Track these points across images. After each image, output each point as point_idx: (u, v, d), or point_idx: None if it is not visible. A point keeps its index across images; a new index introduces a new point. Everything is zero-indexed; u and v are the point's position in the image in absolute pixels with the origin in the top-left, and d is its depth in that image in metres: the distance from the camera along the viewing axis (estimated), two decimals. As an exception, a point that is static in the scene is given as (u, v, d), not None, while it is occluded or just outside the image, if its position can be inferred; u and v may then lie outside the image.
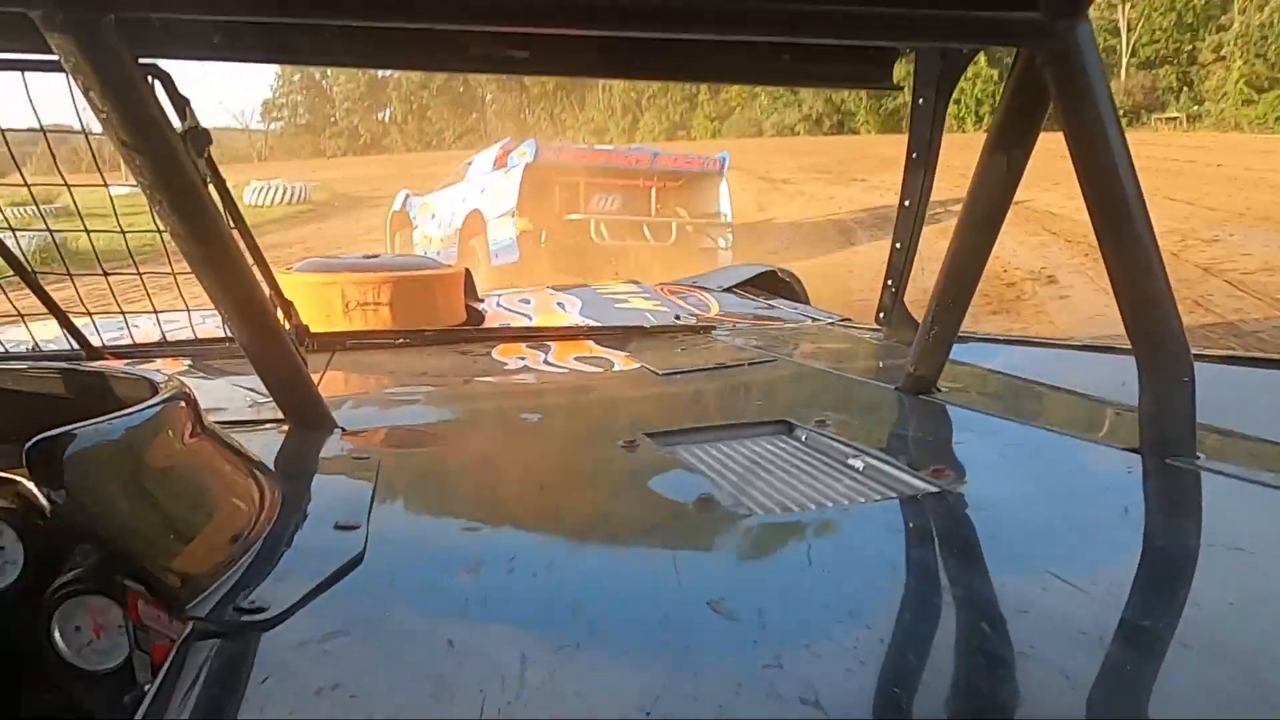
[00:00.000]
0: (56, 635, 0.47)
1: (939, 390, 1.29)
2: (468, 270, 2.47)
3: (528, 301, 2.61)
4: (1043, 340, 1.84)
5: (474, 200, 8.67)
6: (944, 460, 0.93)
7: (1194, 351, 0.94)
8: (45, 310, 1.78)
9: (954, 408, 1.23)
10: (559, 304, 2.53)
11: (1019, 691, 0.53)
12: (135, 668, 0.57)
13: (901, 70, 1.59)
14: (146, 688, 0.49)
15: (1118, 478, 0.93)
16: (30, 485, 0.53)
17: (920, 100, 1.70)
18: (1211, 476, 0.88)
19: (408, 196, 10.98)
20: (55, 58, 0.80)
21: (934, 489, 0.86)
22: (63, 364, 0.90)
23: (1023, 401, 1.31)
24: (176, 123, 1.47)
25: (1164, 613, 0.64)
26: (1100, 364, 1.52)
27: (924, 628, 0.61)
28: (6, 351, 1.78)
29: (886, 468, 0.93)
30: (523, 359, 1.84)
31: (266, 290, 1.24)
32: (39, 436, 0.55)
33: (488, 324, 2.30)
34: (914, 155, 1.77)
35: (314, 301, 2.05)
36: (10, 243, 1.54)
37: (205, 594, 0.60)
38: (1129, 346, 0.96)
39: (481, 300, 2.56)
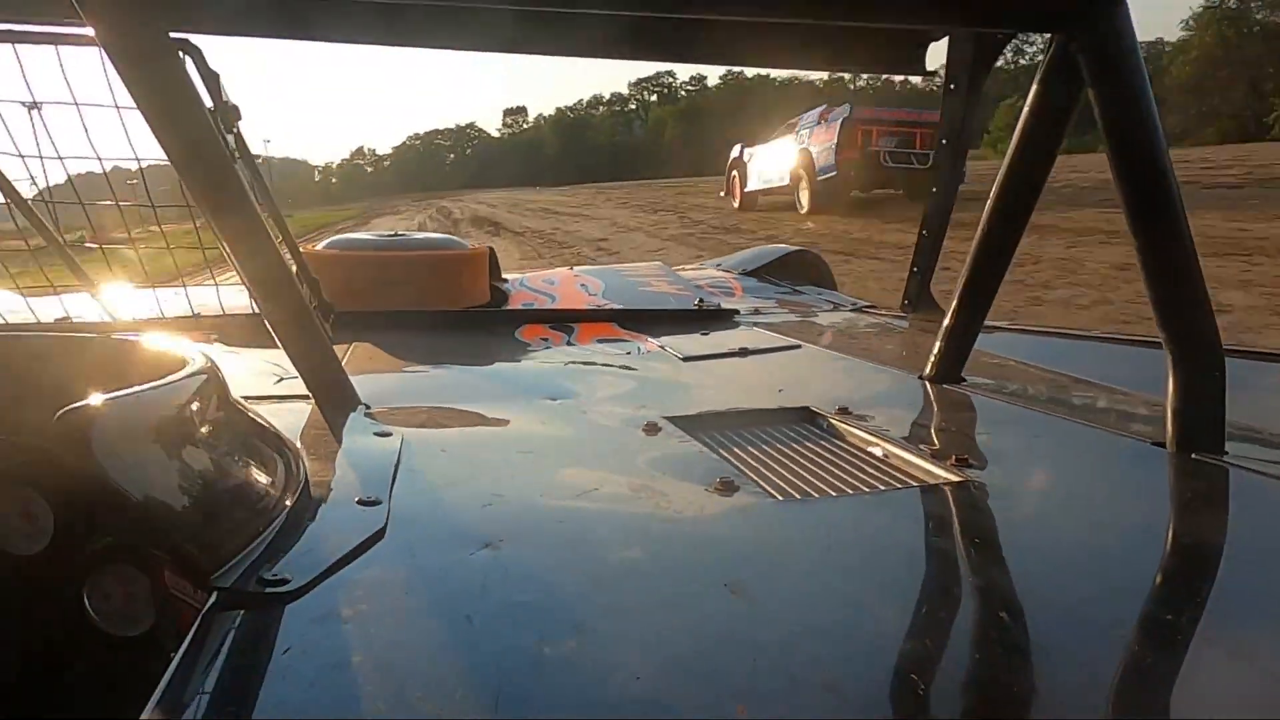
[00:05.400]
0: (87, 603, 0.48)
1: (963, 380, 1.28)
2: (492, 249, 2.48)
3: (552, 282, 2.62)
4: (1069, 331, 1.82)
5: (804, 143, 14.48)
6: (967, 450, 0.93)
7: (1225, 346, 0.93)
8: (77, 282, 1.81)
9: (979, 397, 1.22)
10: (582, 285, 2.53)
11: (1036, 685, 0.53)
12: (161, 635, 0.58)
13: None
14: (172, 655, 0.50)
15: (1143, 472, 0.92)
16: (60, 454, 0.54)
17: (953, 86, 1.68)
18: (1239, 472, 0.87)
19: (743, 147, 16.94)
20: (89, 31, 0.81)
21: (957, 479, 0.86)
22: (93, 334, 0.91)
23: (1048, 393, 1.30)
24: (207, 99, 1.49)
25: (1187, 609, 0.63)
26: (1128, 356, 1.50)
27: (942, 617, 0.61)
28: (39, 321, 1.81)
29: (909, 456, 0.93)
30: (545, 340, 1.84)
31: (293, 267, 1.25)
32: (69, 406, 0.56)
33: (512, 304, 2.31)
34: (944, 142, 1.75)
35: (339, 279, 2.07)
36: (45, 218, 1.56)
37: (229, 565, 0.61)
38: (1157, 339, 0.95)
39: (505, 280, 2.57)
